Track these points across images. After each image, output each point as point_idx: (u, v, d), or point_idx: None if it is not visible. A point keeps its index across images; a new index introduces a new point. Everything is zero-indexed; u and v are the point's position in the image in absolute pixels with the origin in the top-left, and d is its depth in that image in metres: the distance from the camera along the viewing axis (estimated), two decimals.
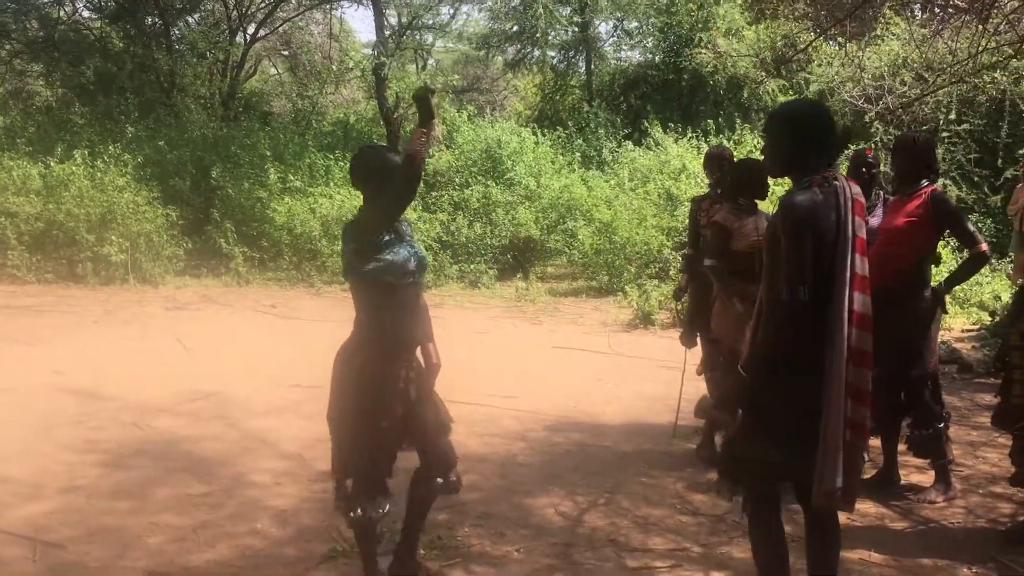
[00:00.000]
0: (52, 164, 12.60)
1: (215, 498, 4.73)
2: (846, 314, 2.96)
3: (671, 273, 11.71)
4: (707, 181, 6.27)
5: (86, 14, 23.12)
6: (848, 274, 2.99)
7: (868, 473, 5.18)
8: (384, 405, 3.47)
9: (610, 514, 4.61)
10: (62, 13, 21.33)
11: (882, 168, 5.69)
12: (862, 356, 3.01)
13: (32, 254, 11.62)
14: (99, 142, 14.26)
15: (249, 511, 4.58)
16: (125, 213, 12.06)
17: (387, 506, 3.57)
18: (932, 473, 4.89)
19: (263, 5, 21.39)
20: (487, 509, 4.63)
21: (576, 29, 19.19)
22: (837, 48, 12.69)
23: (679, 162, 13.55)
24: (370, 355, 3.46)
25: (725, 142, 13.03)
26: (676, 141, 14.36)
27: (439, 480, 3.69)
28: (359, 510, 3.49)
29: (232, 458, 5.39)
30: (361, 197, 3.58)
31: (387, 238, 3.41)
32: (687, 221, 6.58)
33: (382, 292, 3.43)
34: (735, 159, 6.00)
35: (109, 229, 11.91)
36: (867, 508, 4.70)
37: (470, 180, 14.48)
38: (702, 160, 6.59)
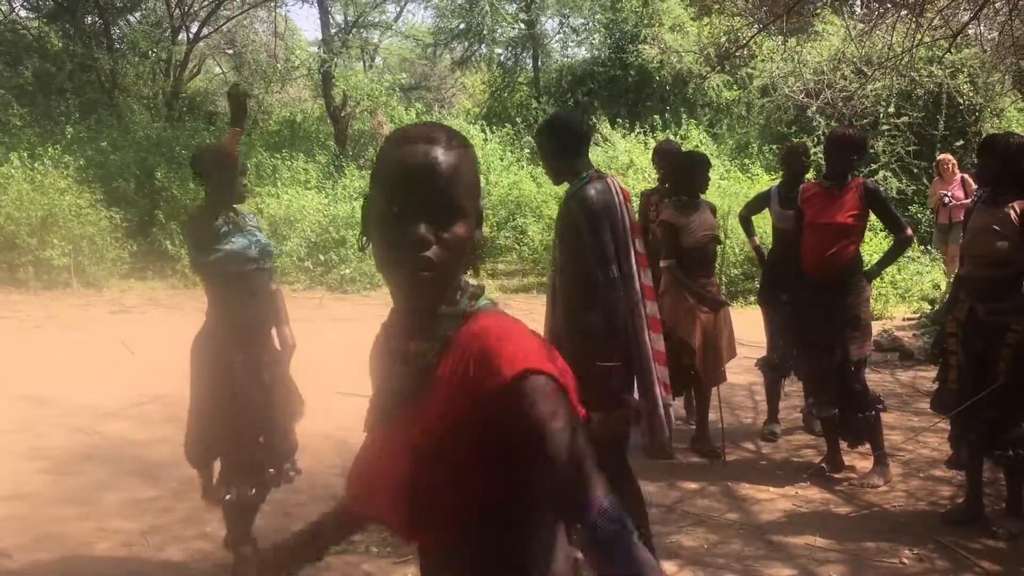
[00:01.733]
0: None
1: (164, 502, 4.69)
2: (639, 287, 3.45)
3: None
4: (656, 176, 6.37)
5: (23, 13, 22.58)
6: (634, 253, 3.46)
7: (814, 460, 5.33)
8: (241, 389, 3.59)
9: None
10: None
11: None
12: (656, 323, 3.55)
13: None
14: (39, 144, 13.94)
15: (199, 514, 4.53)
16: (67, 216, 11.82)
17: (255, 488, 3.69)
18: (872, 459, 5.02)
19: (206, 3, 21.07)
20: None
21: (522, 26, 19.25)
22: (779, 44, 12.93)
23: (627, 157, 13.67)
24: (221, 342, 3.59)
25: (672, 137, 13.19)
26: (624, 137, 14.48)
27: (271, 470, 3.78)
28: (233, 493, 3.63)
29: (181, 461, 5.22)
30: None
31: (225, 229, 3.57)
32: (637, 216, 6.67)
33: (228, 281, 3.58)
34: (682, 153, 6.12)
35: (51, 232, 11.66)
36: (811, 494, 4.83)
37: None
38: (651, 155, 6.70)
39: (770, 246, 6.25)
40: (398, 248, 1.27)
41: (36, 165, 12.44)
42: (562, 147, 3.56)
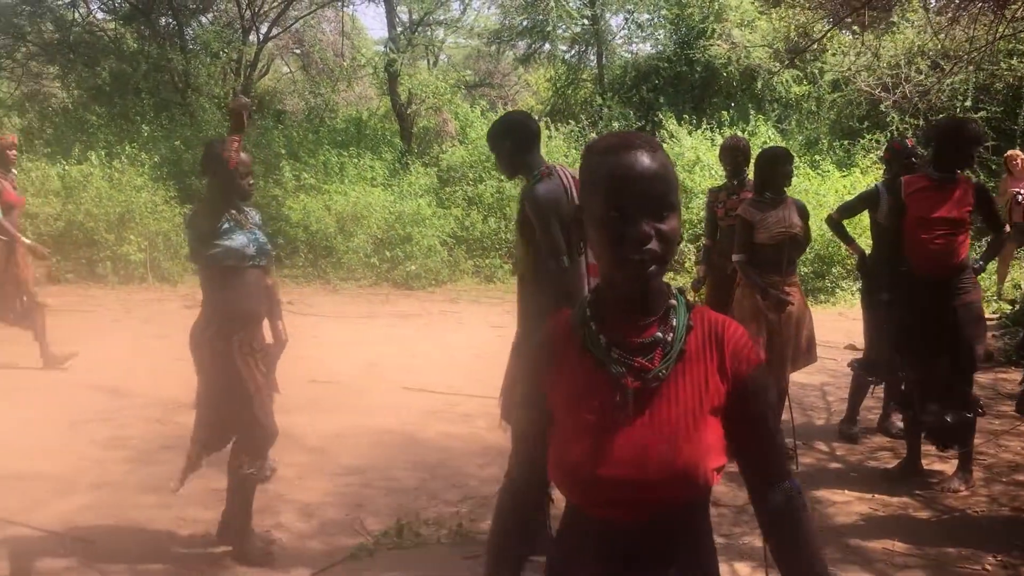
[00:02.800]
0: (69, 165, 12.70)
1: None
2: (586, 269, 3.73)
3: (685, 265, 11.70)
4: (723, 172, 6.27)
5: (100, 16, 23.26)
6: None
7: (891, 463, 5.21)
8: (246, 373, 3.80)
9: None
10: (76, 15, 21.44)
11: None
12: None
13: (52, 254, 11.70)
14: (116, 143, 14.34)
15: (274, 504, 4.63)
16: (143, 212, 12.14)
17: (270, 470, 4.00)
18: (954, 462, 4.89)
19: (275, 4, 21.42)
20: None
21: (587, 23, 19.15)
22: (852, 37, 12.64)
23: (693, 154, 13.52)
24: (215, 332, 3.79)
25: (739, 133, 12.99)
26: (690, 133, 14.32)
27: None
28: (255, 467, 3.88)
29: None
30: None
31: (226, 226, 3.76)
32: (703, 213, 6.59)
33: (224, 274, 3.78)
34: (751, 150, 6.01)
35: (128, 229, 11.99)
36: (889, 498, 4.72)
37: (484, 175, 14.49)
38: (718, 152, 6.60)
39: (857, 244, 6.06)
40: (622, 245, 1.45)
41: (114, 163, 12.80)
42: (515, 146, 3.81)
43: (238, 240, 3.81)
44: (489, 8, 21.21)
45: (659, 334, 1.54)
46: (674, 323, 1.55)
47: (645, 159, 1.45)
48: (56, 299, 10.39)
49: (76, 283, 11.54)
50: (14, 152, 7.44)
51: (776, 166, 5.14)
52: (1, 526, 4.26)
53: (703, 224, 6.63)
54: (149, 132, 15.33)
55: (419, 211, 13.21)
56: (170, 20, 21.40)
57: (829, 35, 11.10)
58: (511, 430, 1.73)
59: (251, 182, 4.02)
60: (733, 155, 5.89)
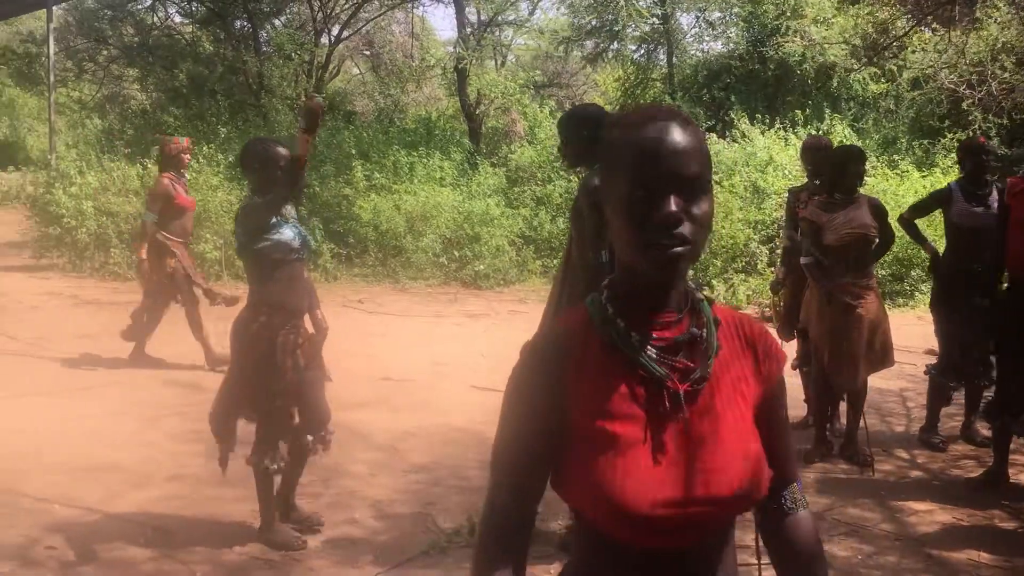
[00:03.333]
0: (149, 165, 13.04)
1: (313, 488, 4.82)
2: None
3: (758, 267, 11.50)
4: (797, 172, 6.14)
5: (178, 19, 23.89)
6: None
7: (975, 471, 5.03)
8: (280, 366, 3.93)
9: None
10: (155, 19, 22.07)
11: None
12: None
13: (132, 252, 12.01)
14: (192, 143, 14.67)
15: (346, 501, 4.68)
16: (219, 211, 12.39)
17: (292, 456, 4.15)
18: None
19: (347, 6, 21.73)
20: None
21: (657, 21, 18.98)
22: (932, 34, 12.28)
23: (766, 154, 13.27)
24: (264, 323, 3.92)
25: (814, 132, 12.72)
26: (762, 133, 14.08)
27: (309, 436, 4.14)
28: (275, 460, 4.02)
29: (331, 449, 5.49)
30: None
31: (273, 220, 3.92)
32: (777, 214, 6.48)
33: (271, 267, 3.94)
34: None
35: (204, 227, 12.25)
36: (974, 507, 4.56)
37: (552, 175, 14.46)
38: (797, 152, 6.47)
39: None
40: (646, 228, 1.27)
41: (191, 163, 13.09)
42: (589, 137, 3.79)
43: (286, 233, 3.97)
44: (558, 8, 21.10)
45: (695, 329, 1.36)
46: (705, 318, 1.38)
47: (681, 130, 1.27)
48: (135, 296, 10.67)
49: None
50: (188, 156, 7.58)
51: (847, 165, 5.04)
52: (83, 514, 4.38)
53: (777, 225, 6.51)
54: (227, 133, 15.63)
55: (487, 211, 13.22)
56: (245, 23, 21.87)
57: (910, 32, 10.80)
58: (493, 456, 1.42)
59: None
60: (814, 155, 5.77)
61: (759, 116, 14.77)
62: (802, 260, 5.13)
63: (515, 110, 16.69)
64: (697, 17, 19.50)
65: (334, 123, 18.21)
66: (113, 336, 7.53)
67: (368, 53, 26.30)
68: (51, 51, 17.77)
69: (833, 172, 5.09)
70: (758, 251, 11.58)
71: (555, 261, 13.19)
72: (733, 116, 14.97)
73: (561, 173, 14.25)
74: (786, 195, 6.36)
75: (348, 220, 13.44)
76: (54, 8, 17.71)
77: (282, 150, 4.00)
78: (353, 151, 14.94)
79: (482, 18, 19.81)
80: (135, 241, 7.75)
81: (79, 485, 4.74)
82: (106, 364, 7.40)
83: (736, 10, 17.61)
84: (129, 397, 6.45)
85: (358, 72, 28.53)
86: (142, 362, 7.42)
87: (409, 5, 22.42)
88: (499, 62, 23.43)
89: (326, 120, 18.73)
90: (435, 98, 26.11)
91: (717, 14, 18.65)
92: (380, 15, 22.92)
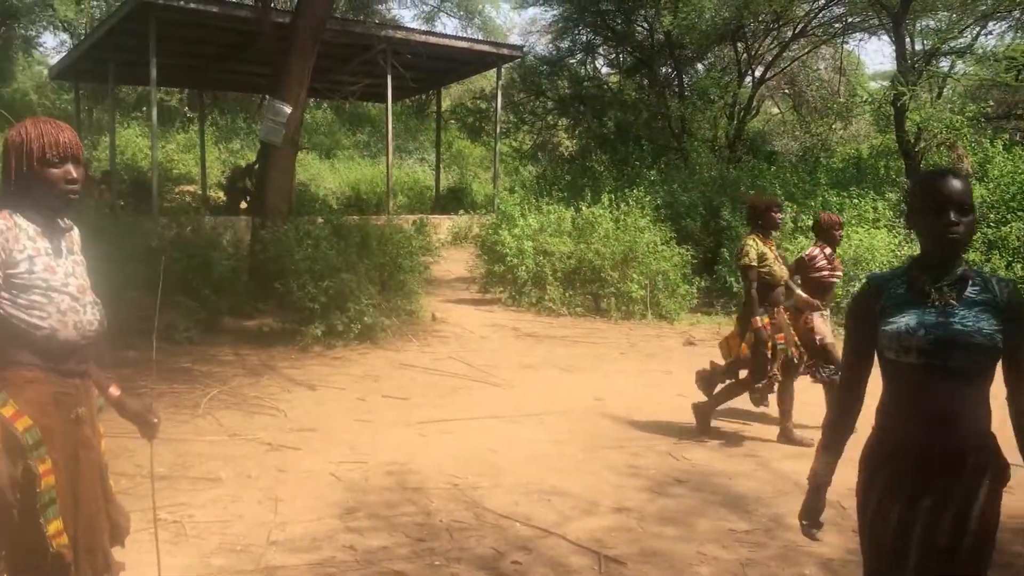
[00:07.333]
0: (583, 207, 13.86)
1: (756, 536, 4.69)
2: None
3: None
4: None
5: (605, 70, 25.38)
6: None
7: None
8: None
9: None
10: (585, 70, 23.66)
11: None
12: None
13: (565, 289, 12.83)
14: (617, 187, 15.35)
15: (793, 555, 4.46)
16: (645, 252, 12.78)
17: None
18: None
19: (772, 46, 21.50)
20: None
21: None
22: None
23: None
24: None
25: None
26: None
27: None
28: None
29: (767, 498, 5.32)
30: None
31: None
32: None
33: None
34: None
35: (630, 267, 12.70)
36: None
37: (1007, 216, 12.89)
38: None
39: None
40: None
41: (620, 206, 13.71)
42: None
43: None
44: (1016, 32, 18.89)
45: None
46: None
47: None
48: (568, 330, 11.38)
49: (584, 316, 12.49)
50: (840, 232, 7.10)
51: None
52: (540, 535, 4.65)
53: None
54: (656, 177, 16.14)
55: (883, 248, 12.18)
56: (670, 69, 22.59)
57: None
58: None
59: None
60: None
61: None
62: None
63: (961, 145, 15.17)
64: None
65: (755, 164, 18.00)
66: (554, 368, 8.02)
67: (788, 92, 25.76)
68: (499, 105, 19.81)
69: None
70: None
71: None
72: None
73: (1018, 214, 12.67)
74: None
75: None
76: (502, 67, 19.74)
77: None
78: (778, 192, 14.56)
79: (925, 47, 18.41)
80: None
81: (534, 506, 5.06)
82: (544, 394, 7.89)
83: None
84: (572, 427, 6.80)
85: (778, 111, 28.05)
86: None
87: (839, 40, 21.58)
88: (936, 93, 21.60)
89: (747, 162, 18.55)
90: (860, 135, 24.80)
91: None
92: (808, 52, 22.36)
